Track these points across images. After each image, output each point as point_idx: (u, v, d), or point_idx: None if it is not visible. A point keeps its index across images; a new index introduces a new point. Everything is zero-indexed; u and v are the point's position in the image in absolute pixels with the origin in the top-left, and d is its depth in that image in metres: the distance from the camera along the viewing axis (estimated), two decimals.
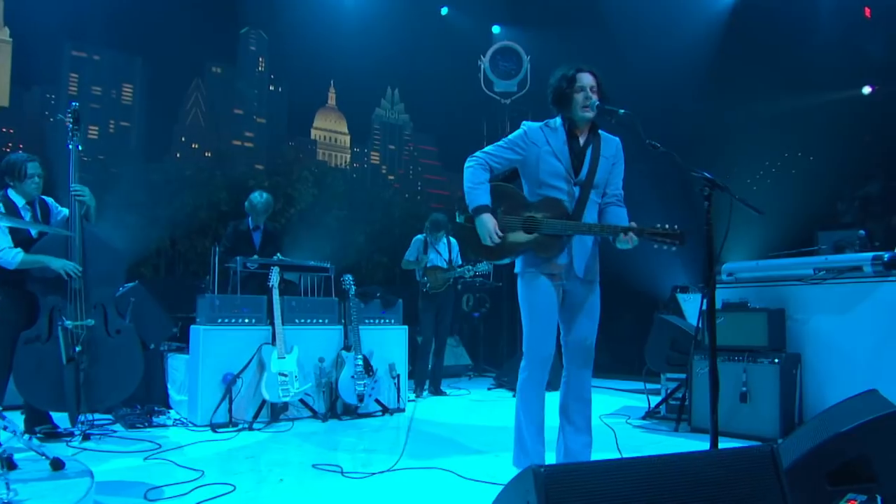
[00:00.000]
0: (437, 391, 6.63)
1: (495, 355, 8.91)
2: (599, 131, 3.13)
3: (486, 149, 3.10)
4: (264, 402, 4.88)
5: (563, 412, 3.19)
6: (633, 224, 2.91)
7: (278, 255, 5.79)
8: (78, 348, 3.83)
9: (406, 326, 5.78)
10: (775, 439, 4.12)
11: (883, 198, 11.94)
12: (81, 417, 4.20)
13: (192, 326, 5.07)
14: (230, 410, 4.77)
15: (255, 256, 5.67)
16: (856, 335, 4.14)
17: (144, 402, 5.02)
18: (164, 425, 4.72)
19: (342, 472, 3.47)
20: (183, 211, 8.66)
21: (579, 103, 3.01)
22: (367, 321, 5.55)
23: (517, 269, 3.10)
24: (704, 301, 5.05)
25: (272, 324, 5.02)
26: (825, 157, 12.17)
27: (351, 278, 5.44)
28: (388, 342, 5.60)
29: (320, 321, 5.38)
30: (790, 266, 4.51)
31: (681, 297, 6.74)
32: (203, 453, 3.96)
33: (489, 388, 7.20)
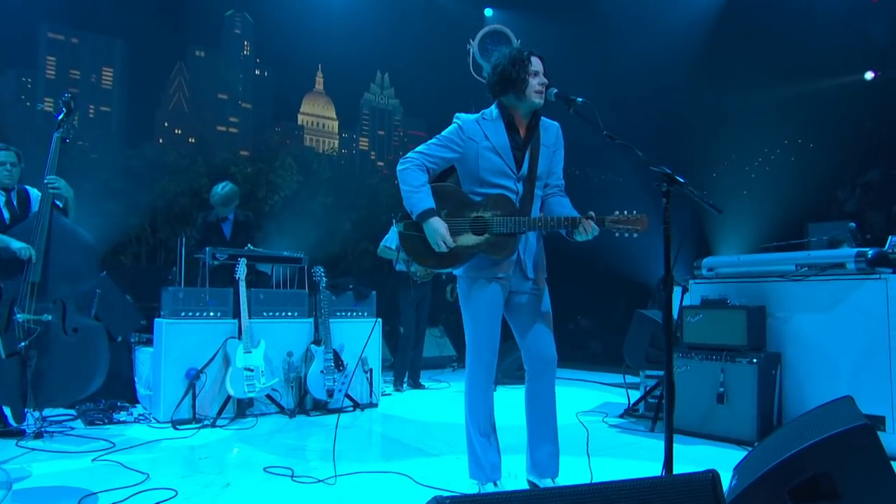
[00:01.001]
0: (415, 384, 6.49)
1: None
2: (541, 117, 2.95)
3: (420, 148, 2.88)
4: (229, 397, 4.75)
5: (528, 420, 3.04)
6: (592, 213, 2.72)
7: (249, 245, 5.63)
8: (23, 343, 3.67)
9: (380, 319, 5.62)
10: (752, 442, 3.97)
11: (883, 186, 11.70)
12: (36, 414, 4.10)
13: (156, 319, 4.93)
14: (193, 406, 4.63)
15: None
16: (838, 335, 3.96)
17: (109, 396, 4.89)
18: (125, 422, 4.60)
19: (292, 477, 3.33)
20: (164, 198, 8.50)
21: (534, 88, 2.82)
22: (338, 314, 5.40)
23: (458, 272, 2.92)
24: (685, 296, 4.89)
25: (239, 317, 4.88)
26: (825, 145, 11.92)
27: (322, 270, 5.29)
28: (361, 335, 5.44)
29: (290, 314, 5.23)
30: (771, 262, 4.32)
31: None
32: (156, 453, 3.82)
33: None
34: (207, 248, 5.30)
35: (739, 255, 4.58)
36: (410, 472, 3.42)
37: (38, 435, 3.99)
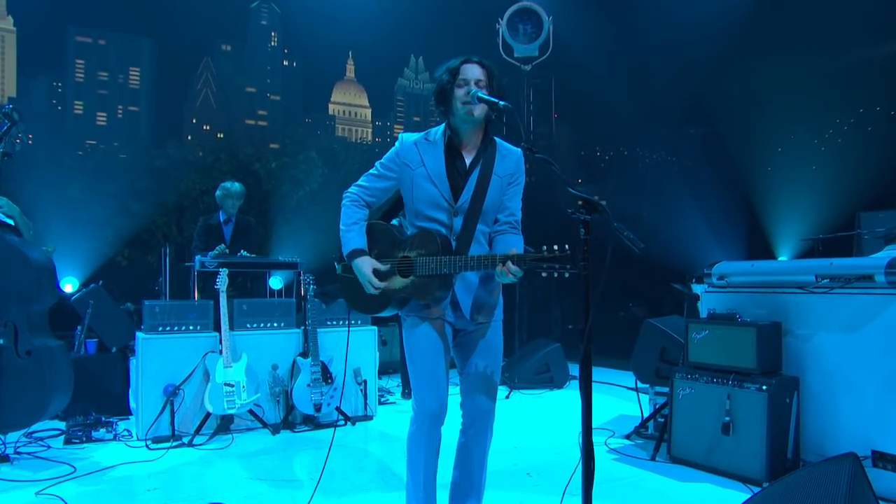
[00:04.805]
0: None
1: None
2: (497, 141, 2.52)
3: (360, 181, 2.59)
4: (209, 414, 4.58)
5: (453, 471, 2.71)
6: (514, 251, 2.27)
7: (243, 251, 5.44)
8: None
9: (375, 328, 5.33)
10: (760, 481, 3.44)
11: None
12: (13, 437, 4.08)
13: (137, 333, 4.81)
14: (172, 423, 4.49)
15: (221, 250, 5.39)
16: (865, 358, 3.35)
17: (101, 409, 4.83)
18: (103, 440, 4.49)
19: None
20: (189, 196, 8.49)
21: (460, 99, 2.40)
22: (329, 323, 5.14)
23: (399, 311, 2.59)
24: (697, 305, 4.33)
25: (220, 330, 4.69)
26: None
27: (311, 277, 5.02)
28: (354, 346, 5.18)
29: (276, 325, 5.00)
30: (789, 271, 3.70)
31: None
32: (107, 483, 3.66)
33: None
34: (197, 257, 5.16)
35: (753, 261, 3.97)
36: None
37: (3, 459, 3.93)
